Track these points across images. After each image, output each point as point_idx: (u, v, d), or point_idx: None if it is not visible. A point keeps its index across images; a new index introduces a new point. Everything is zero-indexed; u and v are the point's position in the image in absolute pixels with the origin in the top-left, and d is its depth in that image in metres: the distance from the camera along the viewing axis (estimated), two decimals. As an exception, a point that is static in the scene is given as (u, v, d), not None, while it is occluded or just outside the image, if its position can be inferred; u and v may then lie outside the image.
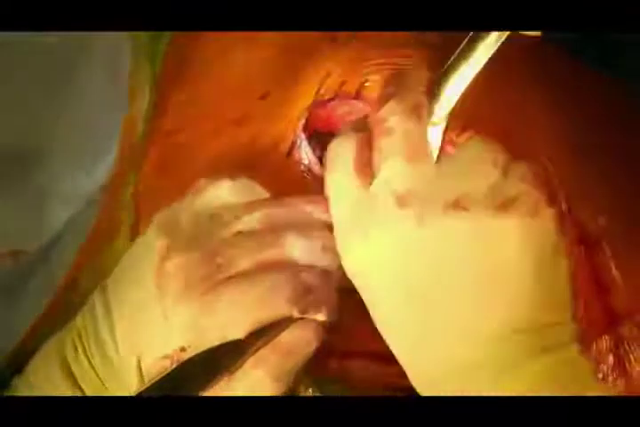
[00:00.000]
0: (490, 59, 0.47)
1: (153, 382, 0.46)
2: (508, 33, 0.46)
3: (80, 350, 0.48)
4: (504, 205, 0.43)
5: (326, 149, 0.49)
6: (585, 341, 0.44)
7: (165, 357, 0.46)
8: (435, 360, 0.44)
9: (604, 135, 0.53)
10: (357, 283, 0.46)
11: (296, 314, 0.46)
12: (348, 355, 0.52)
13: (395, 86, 0.48)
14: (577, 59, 0.55)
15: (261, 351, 0.46)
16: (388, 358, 0.46)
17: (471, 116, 0.52)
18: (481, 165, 0.45)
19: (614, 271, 0.50)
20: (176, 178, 0.55)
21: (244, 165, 0.54)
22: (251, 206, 0.48)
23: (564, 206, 0.48)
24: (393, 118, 0.46)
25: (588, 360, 0.43)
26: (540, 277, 0.43)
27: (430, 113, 0.47)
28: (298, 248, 0.47)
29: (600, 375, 0.47)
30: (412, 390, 0.45)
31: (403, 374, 0.46)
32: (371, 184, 0.45)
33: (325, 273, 0.47)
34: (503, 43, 0.46)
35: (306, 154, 0.55)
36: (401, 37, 0.55)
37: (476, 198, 0.43)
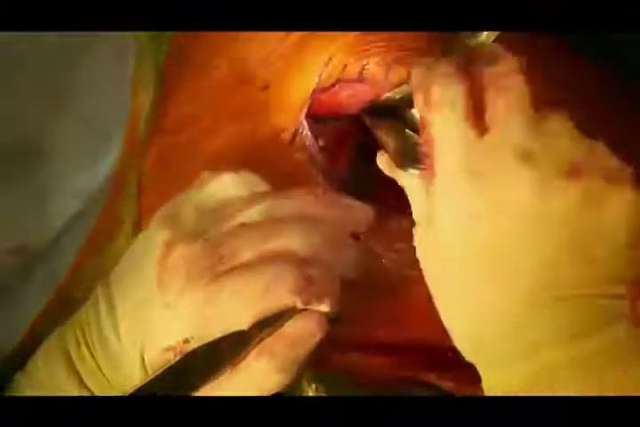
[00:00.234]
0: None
1: (156, 374, 0.46)
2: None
3: (82, 343, 0.48)
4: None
5: (328, 137, 0.48)
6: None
7: (169, 349, 0.46)
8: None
9: (604, 135, 0.53)
10: (465, 228, 0.45)
11: (299, 305, 0.46)
12: (349, 347, 0.52)
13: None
14: (577, 58, 0.55)
15: (265, 342, 0.46)
16: (389, 349, 0.46)
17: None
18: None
19: None
20: (178, 176, 0.55)
21: (246, 158, 0.54)
22: (253, 199, 0.49)
23: None
24: (513, 75, 0.45)
25: None
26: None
27: None
28: (300, 240, 0.47)
29: None
30: (411, 380, 0.45)
31: (404, 365, 0.45)
32: (484, 134, 0.44)
33: (328, 264, 0.47)
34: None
35: (309, 141, 0.55)
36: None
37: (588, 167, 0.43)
